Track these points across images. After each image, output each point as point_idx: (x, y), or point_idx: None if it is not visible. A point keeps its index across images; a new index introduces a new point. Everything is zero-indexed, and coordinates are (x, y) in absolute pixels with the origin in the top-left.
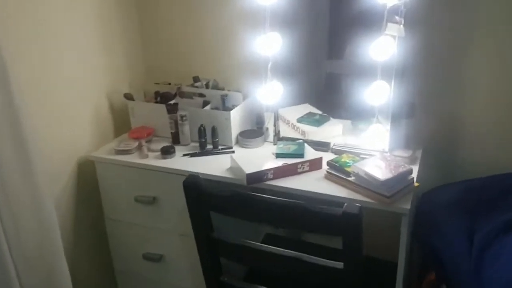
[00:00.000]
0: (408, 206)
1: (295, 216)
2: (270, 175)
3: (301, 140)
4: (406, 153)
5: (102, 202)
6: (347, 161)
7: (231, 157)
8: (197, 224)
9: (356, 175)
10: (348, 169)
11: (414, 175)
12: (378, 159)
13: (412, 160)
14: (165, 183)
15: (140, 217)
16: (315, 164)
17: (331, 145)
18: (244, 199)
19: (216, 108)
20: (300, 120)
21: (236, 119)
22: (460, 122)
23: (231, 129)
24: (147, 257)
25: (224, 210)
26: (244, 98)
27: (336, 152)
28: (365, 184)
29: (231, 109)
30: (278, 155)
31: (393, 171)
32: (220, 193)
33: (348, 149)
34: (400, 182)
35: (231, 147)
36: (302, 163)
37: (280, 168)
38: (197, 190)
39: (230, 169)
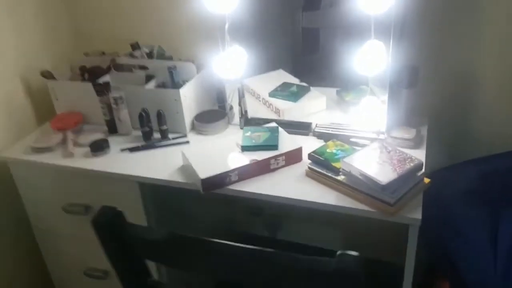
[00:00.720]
0: (418, 215)
1: (263, 271)
2: (234, 177)
3: (274, 124)
4: (408, 134)
5: (26, 209)
6: (334, 151)
7: (182, 154)
8: (121, 273)
9: (348, 174)
10: (337, 165)
11: (422, 158)
12: (375, 150)
13: (417, 142)
14: (97, 189)
15: (74, 227)
16: (293, 157)
17: (313, 126)
18: (185, 245)
19: (163, 85)
20: (273, 94)
21: (189, 98)
22: (474, 85)
23: (183, 112)
24: (90, 274)
25: (158, 259)
26: (199, 69)
27: (319, 136)
28: (360, 186)
29: (182, 86)
30: (245, 148)
31: (397, 169)
32: (148, 236)
33: (334, 130)
34: (406, 182)
35: (185, 136)
36: (276, 157)
37: (247, 167)
38: (114, 232)
39: (182, 169)
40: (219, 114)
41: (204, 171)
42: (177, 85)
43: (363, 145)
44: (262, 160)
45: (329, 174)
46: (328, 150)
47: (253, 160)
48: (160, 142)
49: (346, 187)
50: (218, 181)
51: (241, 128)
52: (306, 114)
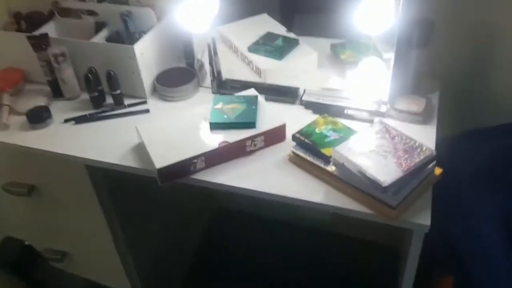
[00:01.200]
0: (426, 219)
1: None
2: (200, 164)
3: (252, 93)
4: (416, 105)
5: None
6: (325, 131)
7: (137, 131)
8: None
9: (340, 165)
10: (326, 151)
11: (432, 138)
12: (375, 135)
13: (426, 117)
14: (42, 168)
15: (20, 209)
16: (274, 137)
17: (301, 92)
18: None
19: (116, 36)
20: (253, 48)
21: (147, 55)
22: (497, 42)
23: (139, 72)
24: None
25: None
26: (159, 17)
27: (307, 105)
28: (354, 181)
29: (139, 38)
30: (214, 126)
31: (403, 163)
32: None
33: (326, 99)
34: (413, 178)
35: (145, 102)
36: (253, 138)
37: (215, 152)
38: (21, 272)
39: (138, 149)
40: (186, 74)
41: (162, 157)
42: (132, 37)
43: (360, 119)
44: (234, 142)
45: (317, 163)
46: (317, 130)
47: (223, 142)
48: (113, 111)
49: (337, 180)
50: (179, 170)
51: (213, 92)
52: (292, 76)
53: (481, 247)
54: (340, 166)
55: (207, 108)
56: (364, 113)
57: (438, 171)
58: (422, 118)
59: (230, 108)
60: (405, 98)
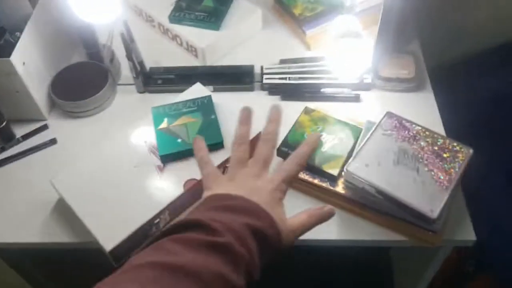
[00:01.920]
0: (470, 235)
1: None
2: (163, 221)
3: (201, 91)
4: (406, 68)
5: None
6: (319, 137)
7: (54, 187)
8: None
9: (356, 188)
10: (330, 169)
11: (434, 108)
12: (390, 136)
13: (419, 80)
14: None
15: None
16: (251, 151)
17: (257, 71)
18: None
19: None
20: (175, 18)
21: (33, 61)
22: None
23: (27, 90)
24: None
25: None
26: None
27: (272, 90)
28: (379, 206)
29: (11, 39)
30: (167, 158)
31: (442, 176)
32: None
33: (293, 78)
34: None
35: (45, 126)
36: (225, 162)
37: (182, 197)
38: None
39: (61, 210)
40: (93, 72)
41: (108, 231)
42: (5, 42)
43: (342, 99)
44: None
45: (318, 183)
46: (306, 135)
47: (189, 181)
48: (2, 152)
49: (351, 203)
50: (138, 240)
51: (140, 92)
52: (234, 45)
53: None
54: (356, 189)
55: (143, 127)
56: (345, 90)
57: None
58: (416, 83)
59: (181, 125)
60: (389, 60)
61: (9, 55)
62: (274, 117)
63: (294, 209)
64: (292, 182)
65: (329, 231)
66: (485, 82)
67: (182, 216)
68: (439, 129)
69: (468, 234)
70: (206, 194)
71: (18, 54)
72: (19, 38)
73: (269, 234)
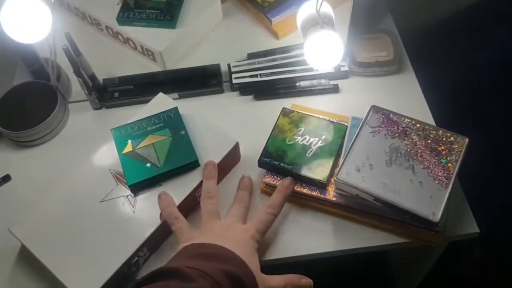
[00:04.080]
0: (474, 227)
1: None
2: (142, 259)
3: (165, 103)
4: (383, 49)
5: None
6: (299, 139)
7: (16, 236)
8: None
9: (349, 196)
10: (319, 177)
11: (417, 90)
12: (380, 132)
13: (398, 60)
14: None
15: None
16: (227, 165)
17: (228, 70)
18: None
19: None
20: (124, 19)
21: None
22: None
23: None
24: None
25: None
26: None
27: (243, 90)
28: (375, 210)
29: None
30: (137, 187)
31: (439, 174)
32: None
33: (265, 74)
34: None
35: None
36: (201, 183)
37: (160, 230)
38: None
39: (25, 258)
40: (40, 92)
41: (82, 279)
42: None
43: (320, 92)
44: (182, 203)
45: (307, 192)
46: (287, 141)
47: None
48: None
49: (345, 210)
50: (118, 283)
51: (95, 109)
52: (195, 42)
53: None
54: (348, 196)
55: (105, 152)
56: (322, 80)
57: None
58: (397, 65)
59: (148, 146)
60: (364, 42)
61: None
62: (246, 185)
63: (290, 222)
64: (266, 232)
65: (326, 243)
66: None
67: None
68: (426, 114)
69: (470, 226)
70: (180, 246)
71: None
72: None
73: (245, 281)
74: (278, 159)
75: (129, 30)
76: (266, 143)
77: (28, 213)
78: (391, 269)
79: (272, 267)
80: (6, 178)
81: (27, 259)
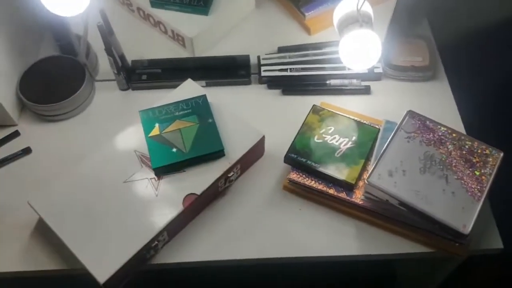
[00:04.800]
0: (498, 243)
1: None
2: (161, 243)
3: (194, 89)
4: (419, 54)
5: None
6: (328, 138)
7: (33, 208)
8: None
9: (377, 200)
10: (347, 178)
11: (451, 100)
12: (415, 138)
13: (433, 68)
14: None
15: None
16: (251, 158)
17: (258, 62)
18: None
19: None
20: (158, 1)
21: None
22: None
23: None
24: None
25: None
26: None
27: (271, 83)
28: (402, 217)
29: None
30: (161, 171)
31: (473, 185)
32: None
33: (295, 69)
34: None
35: (16, 133)
36: (227, 172)
37: (181, 215)
38: None
39: (43, 233)
40: (67, 67)
41: (100, 259)
42: None
43: (352, 92)
44: (205, 191)
45: (332, 193)
46: (316, 139)
47: (189, 196)
48: None
49: (370, 214)
50: (134, 265)
51: (122, 89)
52: (226, 31)
53: None
54: (377, 201)
55: (131, 132)
56: (354, 81)
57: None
58: (432, 72)
59: (175, 131)
60: (401, 46)
61: None
62: None
63: (312, 222)
64: None
65: (348, 246)
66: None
67: None
68: (457, 123)
69: (495, 242)
70: None
71: None
72: None
73: None
74: (305, 156)
75: (160, 13)
76: (294, 139)
77: (48, 188)
78: (396, 278)
79: (283, 266)
80: (27, 150)
81: (43, 234)
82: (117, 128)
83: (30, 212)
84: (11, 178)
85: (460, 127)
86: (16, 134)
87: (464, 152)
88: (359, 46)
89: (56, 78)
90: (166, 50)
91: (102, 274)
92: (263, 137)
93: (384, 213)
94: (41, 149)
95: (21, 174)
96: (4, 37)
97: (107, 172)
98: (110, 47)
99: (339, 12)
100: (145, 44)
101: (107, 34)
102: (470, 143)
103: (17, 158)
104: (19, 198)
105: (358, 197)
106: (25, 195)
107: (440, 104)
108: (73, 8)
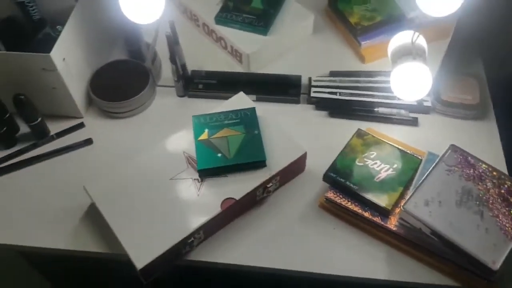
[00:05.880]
0: None
1: None
2: (197, 240)
3: (245, 102)
4: (470, 92)
5: None
6: (369, 163)
7: (87, 192)
8: None
9: (412, 229)
10: (384, 203)
11: (496, 141)
12: (454, 172)
13: (482, 106)
14: None
15: None
16: (291, 172)
17: (308, 83)
18: None
19: (9, 23)
20: (222, 18)
21: (73, 57)
22: None
23: (65, 86)
24: None
25: None
26: None
27: (319, 105)
28: (433, 247)
29: (58, 34)
30: (205, 173)
31: (507, 224)
32: None
33: (344, 94)
34: None
35: (81, 124)
36: (266, 182)
37: (218, 217)
38: None
39: (92, 216)
40: (133, 71)
41: (140, 246)
42: (38, 25)
43: (399, 121)
44: (243, 197)
45: (370, 217)
46: (357, 162)
47: (227, 200)
48: (33, 149)
49: (402, 242)
50: (170, 258)
51: (179, 96)
52: (282, 51)
53: None
54: (410, 228)
55: (182, 135)
56: (402, 111)
57: None
58: (480, 111)
59: (222, 138)
60: (452, 83)
61: (48, 49)
62: None
63: (343, 242)
64: None
65: (376, 270)
66: None
67: None
68: (501, 163)
69: None
70: None
71: (58, 49)
72: (60, 32)
73: None
74: (344, 176)
75: (223, 30)
76: (335, 159)
77: (103, 176)
78: None
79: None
80: (88, 141)
81: (93, 218)
82: (171, 130)
83: (84, 197)
84: (72, 164)
85: (502, 167)
86: (81, 125)
87: (502, 191)
88: (410, 77)
89: (123, 79)
90: (224, 64)
91: (140, 261)
92: (305, 153)
93: (415, 241)
94: (102, 142)
95: (81, 162)
96: (86, 37)
97: (157, 168)
98: (175, 56)
99: (394, 43)
100: (205, 57)
101: (173, 44)
102: (510, 183)
103: (79, 147)
104: (76, 183)
105: (392, 223)
106: (82, 180)
107: (485, 143)
108: (148, 16)
